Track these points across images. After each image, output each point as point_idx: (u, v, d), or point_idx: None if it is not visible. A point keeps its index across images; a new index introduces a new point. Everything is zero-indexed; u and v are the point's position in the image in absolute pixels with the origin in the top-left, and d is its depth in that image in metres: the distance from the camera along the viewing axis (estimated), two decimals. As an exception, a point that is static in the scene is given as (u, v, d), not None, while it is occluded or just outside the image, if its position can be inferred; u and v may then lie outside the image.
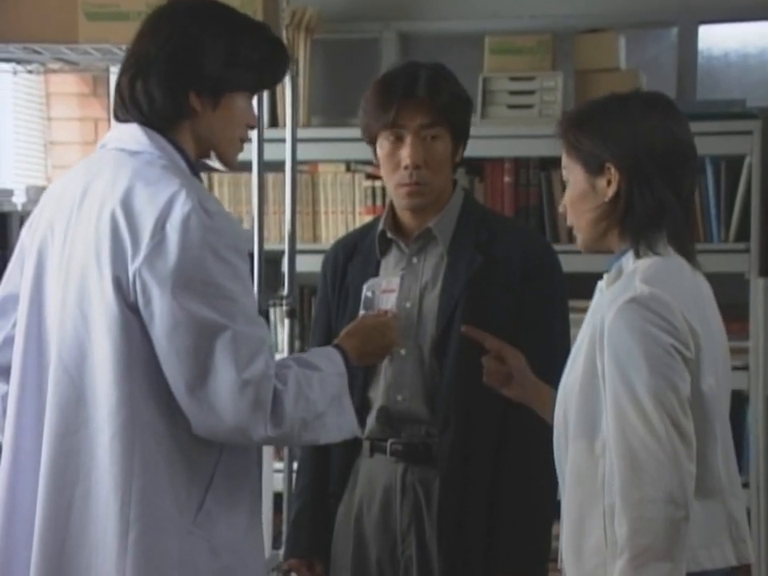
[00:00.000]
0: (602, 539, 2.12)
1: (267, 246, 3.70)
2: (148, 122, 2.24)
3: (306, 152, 4.14)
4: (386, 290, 2.57)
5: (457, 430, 2.67)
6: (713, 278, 4.05)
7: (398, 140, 2.70)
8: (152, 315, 2.11)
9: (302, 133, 4.15)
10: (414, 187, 2.70)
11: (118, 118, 2.29)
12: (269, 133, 3.84)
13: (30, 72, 3.52)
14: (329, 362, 2.29)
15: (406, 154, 2.68)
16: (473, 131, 4.06)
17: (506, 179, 4.17)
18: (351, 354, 2.34)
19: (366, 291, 2.58)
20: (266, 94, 4.11)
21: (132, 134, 2.24)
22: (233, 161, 2.33)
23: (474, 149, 4.07)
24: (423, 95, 2.68)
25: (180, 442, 2.15)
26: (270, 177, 4.11)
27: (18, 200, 3.28)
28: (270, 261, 3.84)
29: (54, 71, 3.60)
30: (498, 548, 2.68)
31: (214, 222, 2.13)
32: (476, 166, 4.18)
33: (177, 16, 2.25)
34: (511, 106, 4.19)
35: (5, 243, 3.20)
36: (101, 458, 2.14)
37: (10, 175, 4.23)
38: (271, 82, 2.35)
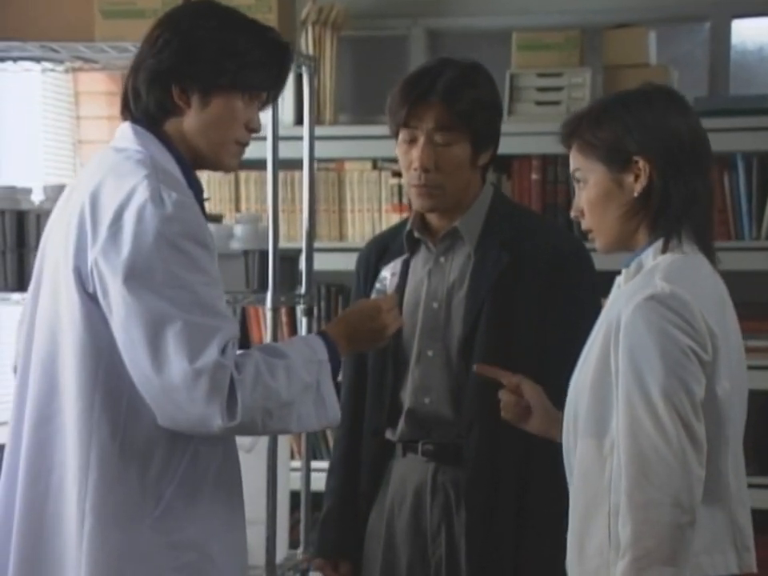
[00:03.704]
0: (606, 539, 2.09)
1: (293, 245, 3.71)
2: (138, 119, 2.25)
3: (332, 149, 4.15)
4: (393, 273, 2.54)
5: (482, 432, 2.64)
6: (743, 276, 4.01)
7: (412, 140, 2.66)
8: (110, 305, 2.12)
9: (328, 130, 4.18)
10: (422, 189, 2.66)
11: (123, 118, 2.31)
12: (294, 131, 3.85)
13: (50, 70, 3.53)
14: (306, 349, 2.24)
15: (416, 155, 2.65)
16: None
17: (534, 176, 4.14)
18: (340, 340, 2.30)
19: (377, 284, 2.56)
20: (290, 92, 4.13)
21: (122, 132, 2.26)
22: (227, 163, 2.31)
23: (501, 146, 4.06)
24: (438, 99, 2.62)
25: (139, 435, 2.15)
26: (296, 175, 4.10)
27: (37, 198, 3.29)
28: (295, 259, 3.83)
29: (79, 70, 3.62)
30: (526, 548, 2.66)
31: (172, 211, 2.11)
32: (503, 163, 4.15)
33: (175, 16, 2.25)
34: (539, 103, 4.15)
35: (22, 241, 3.21)
36: (69, 446, 2.16)
37: (39, 174, 4.25)
38: (272, 84, 2.30)
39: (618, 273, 2.25)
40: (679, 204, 2.13)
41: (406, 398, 2.72)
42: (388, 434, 2.75)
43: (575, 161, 2.20)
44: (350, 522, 2.80)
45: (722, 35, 4.33)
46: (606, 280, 2.80)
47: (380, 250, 2.82)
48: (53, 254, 2.23)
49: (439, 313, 2.70)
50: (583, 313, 2.66)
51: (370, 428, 2.75)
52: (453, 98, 2.63)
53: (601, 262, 2.86)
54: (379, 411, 2.74)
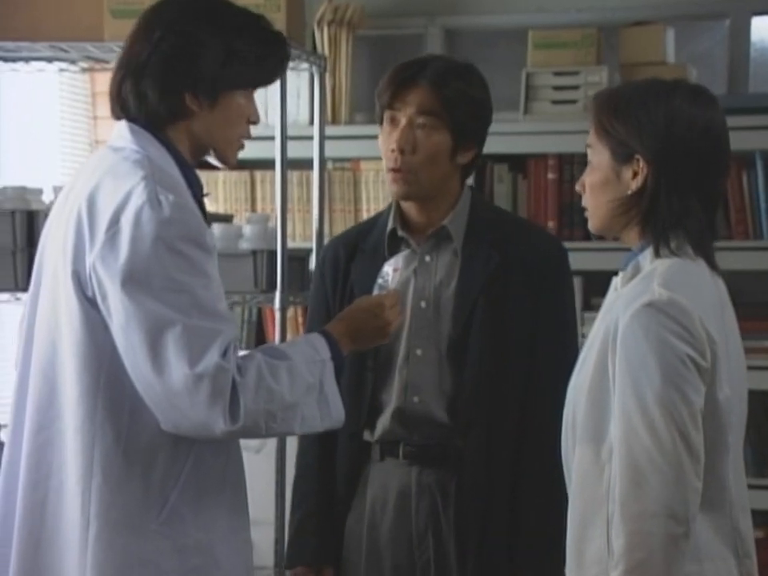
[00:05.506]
0: (605, 547, 2.05)
1: (307, 244, 3.70)
2: (137, 119, 2.21)
3: (348, 149, 4.14)
4: (395, 269, 2.51)
5: (480, 432, 2.63)
6: (762, 276, 3.98)
7: (394, 123, 2.64)
8: (109, 310, 2.10)
9: (344, 130, 4.17)
10: (397, 174, 2.63)
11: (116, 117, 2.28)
12: (309, 131, 3.83)
13: (65, 71, 3.54)
14: (308, 348, 2.21)
15: (395, 137, 2.63)
16: (516, 127, 4.06)
17: (550, 176, 4.11)
18: (342, 339, 2.27)
19: (379, 279, 2.52)
20: (305, 92, 4.12)
21: (119, 131, 2.23)
22: (231, 159, 2.28)
23: (517, 145, 4.06)
24: (426, 83, 2.62)
25: (142, 439, 2.13)
26: (312, 174, 4.07)
27: (47, 198, 3.29)
28: (307, 259, 3.82)
29: (91, 70, 3.62)
30: (519, 551, 2.64)
31: (170, 214, 2.09)
32: (519, 163, 4.14)
33: (171, 13, 2.20)
34: (555, 102, 4.13)
35: (32, 241, 3.22)
36: (69, 452, 2.14)
37: (56, 174, 4.26)
38: (270, 77, 2.29)
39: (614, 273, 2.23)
40: (667, 215, 2.10)
41: (393, 397, 2.68)
42: (365, 436, 2.71)
43: (591, 137, 2.18)
44: (330, 527, 2.75)
45: (742, 33, 4.29)
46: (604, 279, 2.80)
47: (349, 250, 2.77)
48: (51, 257, 2.21)
49: (427, 312, 2.68)
50: (567, 312, 2.72)
51: (346, 430, 2.64)
52: (440, 84, 2.62)
53: (613, 263, 2.85)
54: (357, 413, 2.68)
